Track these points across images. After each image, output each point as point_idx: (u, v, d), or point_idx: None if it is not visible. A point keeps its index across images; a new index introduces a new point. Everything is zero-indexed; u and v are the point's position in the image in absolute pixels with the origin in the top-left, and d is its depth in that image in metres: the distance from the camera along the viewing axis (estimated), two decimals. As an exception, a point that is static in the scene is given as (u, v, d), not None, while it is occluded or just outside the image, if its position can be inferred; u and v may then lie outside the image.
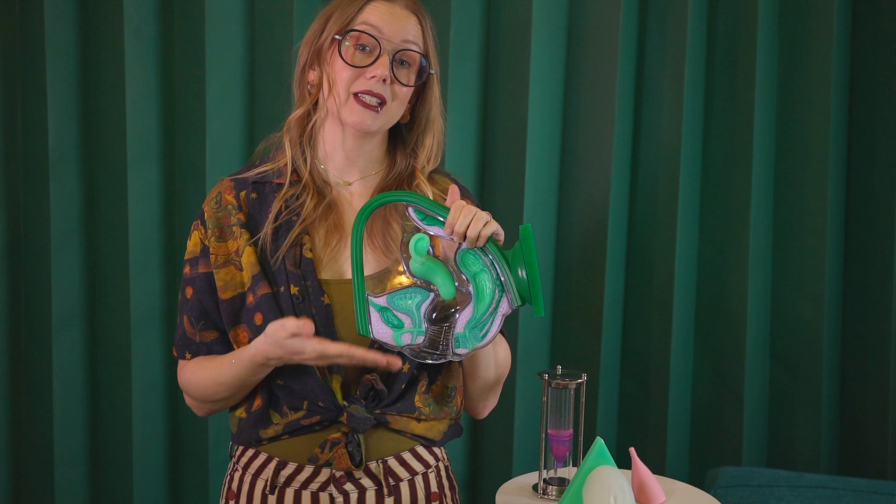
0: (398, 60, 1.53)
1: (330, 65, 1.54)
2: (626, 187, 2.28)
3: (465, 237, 1.43)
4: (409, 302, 1.46)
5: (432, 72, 1.57)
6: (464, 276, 1.46)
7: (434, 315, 1.46)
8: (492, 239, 1.44)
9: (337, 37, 1.53)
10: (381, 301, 1.46)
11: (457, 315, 1.46)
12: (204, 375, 1.57)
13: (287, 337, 1.43)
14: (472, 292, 1.45)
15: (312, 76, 1.57)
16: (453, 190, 1.48)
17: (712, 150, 2.26)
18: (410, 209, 1.46)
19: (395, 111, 1.55)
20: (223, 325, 1.56)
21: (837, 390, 2.27)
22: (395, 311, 1.46)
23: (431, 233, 1.46)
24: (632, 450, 1.54)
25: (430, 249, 1.46)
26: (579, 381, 1.55)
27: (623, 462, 1.53)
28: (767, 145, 2.23)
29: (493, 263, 1.45)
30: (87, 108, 2.27)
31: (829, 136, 2.19)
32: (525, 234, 1.44)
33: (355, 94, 1.51)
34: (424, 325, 1.46)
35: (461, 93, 2.23)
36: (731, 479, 2.04)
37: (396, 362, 1.47)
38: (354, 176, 1.59)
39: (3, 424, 2.31)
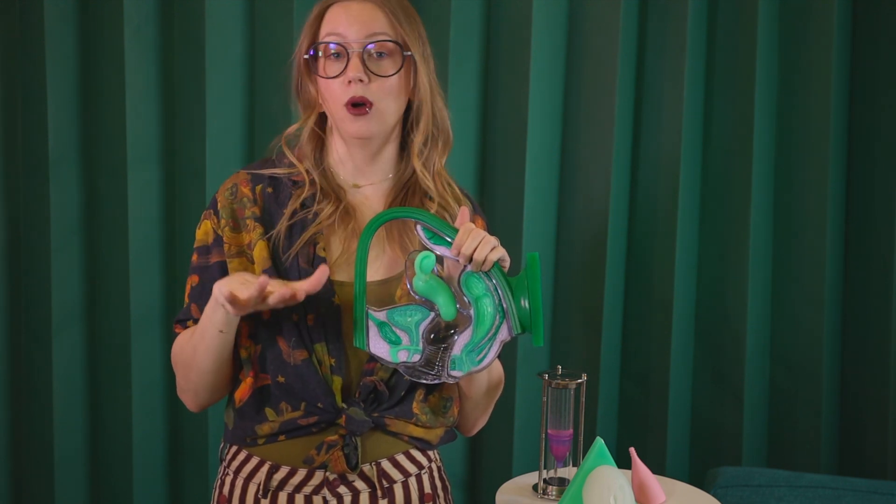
0: (373, 54, 1.51)
1: (315, 83, 1.56)
2: (627, 187, 2.28)
3: (470, 260, 1.43)
4: (409, 319, 1.46)
5: (407, 53, 1.53)
6: (466, 299, 1.45)
7: (432, 335, 1.46)
8: (497, 264, 1.44)
9: (305, 56, 1.54)
10: (381, 316, 1.45)
11: (455, 337, 1.45)
12: (187, 338, 1.55)
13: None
14: (472, 315, 1.45)
15: (312, 90, 1.58)
16: (463, 211, 1.48)
17: (712, 150, 2.26)
18: (419, 227, 1.45)
19: (388, 107, 1.53)
20: None
21: (837, 390, 2.27)
22: (393, 327, 1.46)
23: (437, 252, 1.45)
24: (632, 450, 1.54)
25: (436, 269, 1.46)
26: (579, 381, 1.55)
27: (623, 462, 1.53)
28: (767, 145, 2.23)
29: (496, 289, 1.44)
30: (87, 108, 2.27)
31: (829, 137, 2.18)
32: (531, 262, 1.44)
33: (346, 105, 1.51)
34: (422, 344, 1.45)
35: (461, 93, 2.23)
36: (731, 479, 2.04)
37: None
38: (367, 180, 1.60)
39: (3, 424, 2.31)
